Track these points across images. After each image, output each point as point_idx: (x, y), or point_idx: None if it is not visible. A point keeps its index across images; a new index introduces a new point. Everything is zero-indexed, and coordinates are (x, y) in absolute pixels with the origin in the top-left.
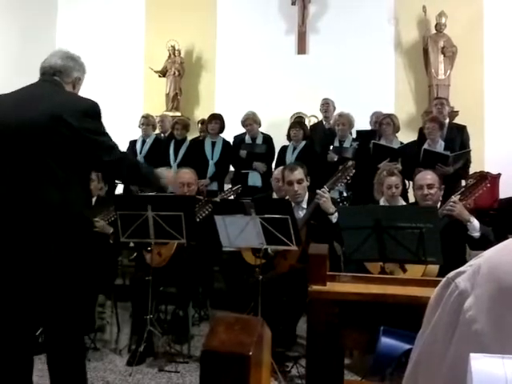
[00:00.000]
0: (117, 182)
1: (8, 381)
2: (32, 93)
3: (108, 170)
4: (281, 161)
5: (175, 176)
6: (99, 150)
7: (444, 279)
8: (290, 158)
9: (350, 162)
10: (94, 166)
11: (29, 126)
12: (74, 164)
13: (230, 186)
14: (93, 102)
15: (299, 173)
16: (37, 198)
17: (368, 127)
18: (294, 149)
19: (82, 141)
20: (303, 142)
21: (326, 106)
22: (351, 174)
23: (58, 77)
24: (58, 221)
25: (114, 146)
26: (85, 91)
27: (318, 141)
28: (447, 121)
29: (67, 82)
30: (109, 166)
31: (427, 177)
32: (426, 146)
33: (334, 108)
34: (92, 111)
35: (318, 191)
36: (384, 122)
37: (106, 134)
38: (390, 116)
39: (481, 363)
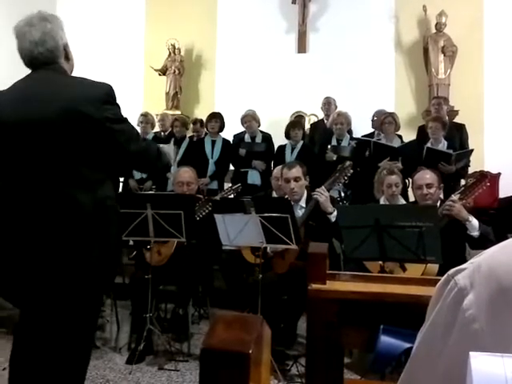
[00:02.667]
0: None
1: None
2: (37, 87)
3: (137, 161)
4: (280, 161)
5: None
6: (124, 138)
7: (444, 276)
8: (290, 158)
9: (348, 163)
10: (122, 158)
11: (46, 126)
12: (100, 160)
13: (230, 185)
14: (107, 85)
15: (297, 171)
16: (67, 202)
17: (367, 126)
18: (293, 149)
19: (105, 132)
20: (301, 142)
21: (328, 104)
22: (349, 174)
23: (52, 63)
24: (92, 223)
25: (137, 134)
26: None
27: (318, 139)
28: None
29: (61, 61)
30: (137, 156)
31: (426, 176)
32: (428, 145)
33: (336, 106)
34: (110, 97)
35: (317, 189)
36: (386, 121)
37: (126, 119)
38: (391, 115)
39: (480, 362)
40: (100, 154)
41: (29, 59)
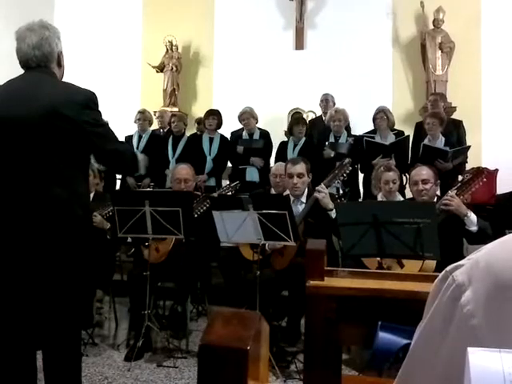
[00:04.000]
0: (116, 175)
1: (12, 378)
2: (25, 87)
3: (112, 160)
4: (281, 157)
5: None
6: (101, 140)
7: (442, 272)
8: (291, 154)
9: (347, 160)
10: (98, 157)
11: (27, 124)
12: (76, 159)
13: (228, 183)
14: (90, 92)
15: (301, 167)
16: (44, 196)
17: (365, 123)
18: (295, 145)
19: (83, 134)
20: (303, 139)
21: (326, 101)
22: (348, 171)
23: (44, 62)
24: (68, 217)
25: (115, 137)
26: (82, 86)
27: (316, 136)
28: None
29: (53, 66)
30: (112, 155)
31: (422, 172)
32: (426, 141)
33: (334, 103)
34: (90, 102)
35: (316, 188)
36: (378, 117)
37: (106, 124)
38: (383, 111)
39: (478, 357)
40: (76, 153)
41: (24, 60)
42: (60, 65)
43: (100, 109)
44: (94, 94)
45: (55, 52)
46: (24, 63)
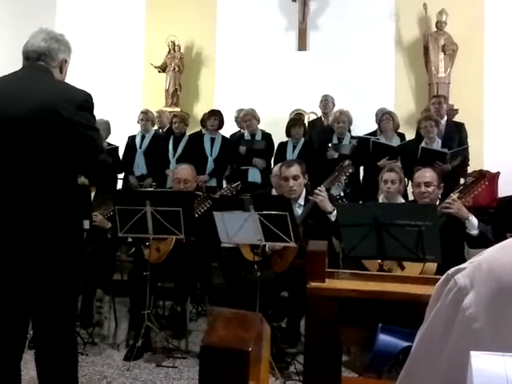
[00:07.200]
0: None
1: None
2: (20, 82)
3: (96, 168)
4: (280, 158)
5: None
6: (91, 145)
7: (444, 275)
8: (291, 155)
9: (347, 161)
10: (83, 163)
11: (21, 120)
12: (66, 160)
13: (230, 183)
14: (87, 93)
15: (295, 169)
16: (34, 198)
17: (367, 125)
18: (294, 146)
19: (76, 135)
20: (302, 139)
21: (325, 102)
22: (348, 173)
23: (44, 61)
24: (55, 221)
25: (103, 146)
26: (85, 86)
27: (315, 137)
28: (445, 118)
29: (53, 66)
30: (98, 163)
31: (426, 174)
32: (423, 144)
33: (334, 105)
34: (87, 104)
35: (315, 190)
36: (384, 118)
37: (98, 129)
38: (389, 112)
39: (481, 361)
40: (67, 154)
41: (28, 51)
42: (61, 71)
43: (100, 109)
44: (90, 95)
45: (60, 55)
46: (26, 54)
